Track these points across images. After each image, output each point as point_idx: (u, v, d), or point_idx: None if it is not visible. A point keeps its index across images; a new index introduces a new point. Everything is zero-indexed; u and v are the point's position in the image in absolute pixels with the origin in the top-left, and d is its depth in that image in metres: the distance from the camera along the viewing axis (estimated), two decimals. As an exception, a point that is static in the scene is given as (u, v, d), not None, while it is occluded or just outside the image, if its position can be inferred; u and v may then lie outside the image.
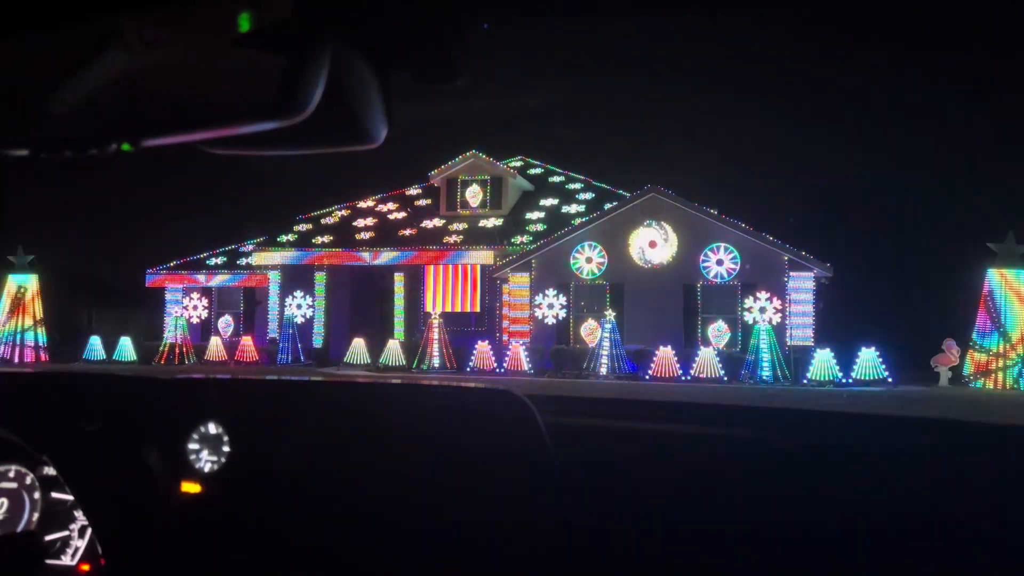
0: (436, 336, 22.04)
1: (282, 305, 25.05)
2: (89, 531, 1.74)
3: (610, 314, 20.67)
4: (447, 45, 0.71)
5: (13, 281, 25.79)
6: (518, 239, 23.97)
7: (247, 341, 24.44)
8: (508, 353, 21.15)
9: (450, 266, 24.14)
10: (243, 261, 26.49)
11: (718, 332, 21.35)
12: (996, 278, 19.88)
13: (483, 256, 23.67)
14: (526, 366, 20.73)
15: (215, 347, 24.63)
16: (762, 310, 20.71)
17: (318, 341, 24.71)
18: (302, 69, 0.67)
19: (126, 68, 0.69)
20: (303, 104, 0.67)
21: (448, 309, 23.70)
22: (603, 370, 20.04)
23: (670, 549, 1.31)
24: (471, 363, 21.39)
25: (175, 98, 0.71)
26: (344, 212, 26.88)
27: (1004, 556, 1.18)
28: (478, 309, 24.08)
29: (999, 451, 1.34)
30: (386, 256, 24.48)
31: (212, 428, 1.65)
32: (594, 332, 21.45)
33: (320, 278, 25.12)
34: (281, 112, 0.68)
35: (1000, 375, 19.44)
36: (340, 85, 0.70)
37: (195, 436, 1.65)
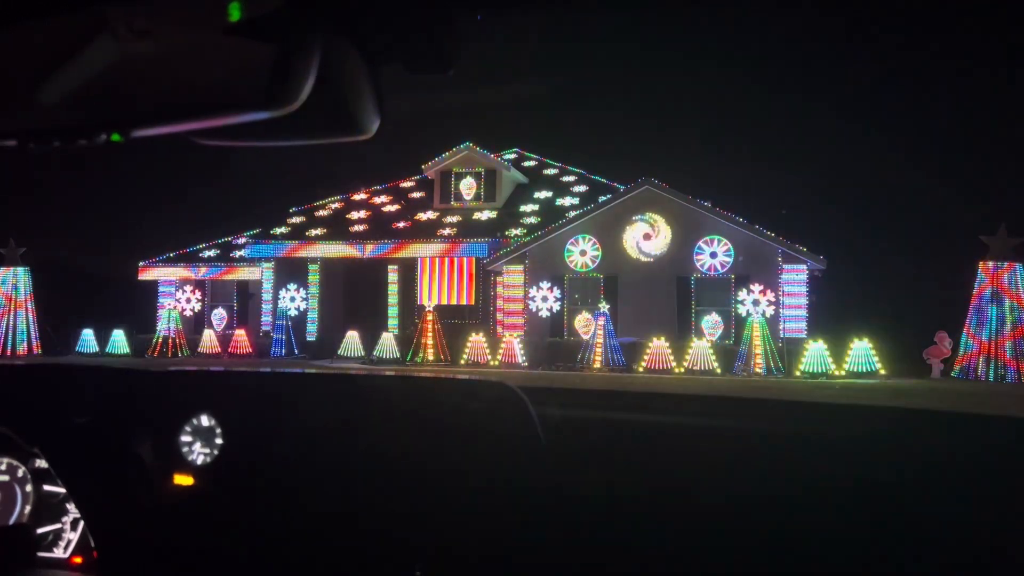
0: (430, 329, 22.03)
1: (275, 298, 24.99)
2: (81, 524, 1.74)
3: (604, 306, 20.69)
4: (438, 35, 0.71)
5: (5, 274, 25.65)
6: (512, 232, 23.95)
7: (240, 334, 24.39)
8: (502, 346, 21.16)
9: (444, 259, 24.11)
10: (236, 254, 26.42)
11: (712, 324, 21.42)
12: (987, 271, 19.96)
13: (477, 249, 23.65)
14: (520, 359, 20.75)
15: (208, 340, 24.58)
16: (755, 302, 20.75)
17: (312, 333, 24.67)
18: (293, 59, 0.67)
19: (115, 58, 0.68)
20: (294, 94, 0.67)
21: (442, 302, 23.69)
22: (597, 362, 20.07)
23: (662, 539, 1.31)
24: (465, 356, 21.40)
25: (165, 88, 0.70)
26: (337, 205, 26.82)
27: (998, 548, 1.18)
28: (472, 302, 24.07)
29: (991, 442, 1.35)
30: (380, 249, 24.45)
31: (205, 420, 1.65)
32: (588, 325, 21.48)
33: (314, 271, 25.07)
34: (272, 102, 0.67)
35: (991, 367, 19.52)
36: (331, 75, 0.69)
37: (188, 428, 1.65)
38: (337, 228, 25.44)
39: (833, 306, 22.71)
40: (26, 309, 25.72)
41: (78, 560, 1.75)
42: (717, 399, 1.60)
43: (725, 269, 21.45)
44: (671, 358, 19.73)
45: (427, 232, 24.58)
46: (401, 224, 25.21)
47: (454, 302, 24.01)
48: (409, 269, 24.58)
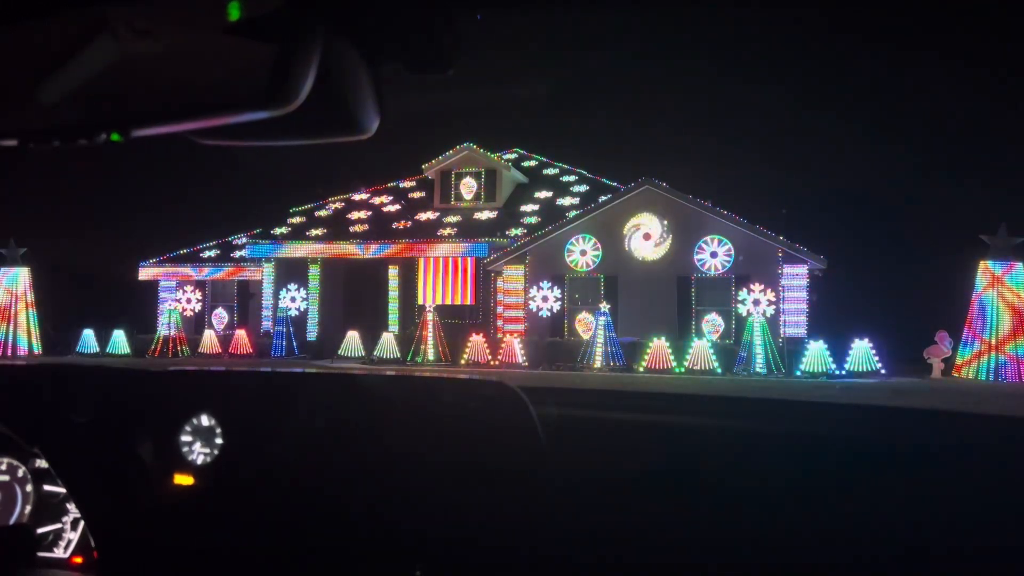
0: (430, 329, 22.03)
1: (276, 298, 25.00)
2: (82, 523, 1.74)
3: (604, 306, 20.69)
4: (438, 35, 0.71)
5: (5, 274, 25.65)
6: (513, 232, 23.95)
7: (241, 334, 24.39)
8: (502, 345, 21.16)
9: (444, 259, 24.11)
10: (237, 254, 26.42)
11: (712, 324, 21.43)
12: (987, 270, 19.94)
13: (477, 249, 23.65)
14: (520, 358, 20.74)
15: (209, 340, 24.58)
16: (756, 302, 20.75)
17: (312, 334, 24.68)
18: (293, 58, 0.67)
19: (115, 58, 0.68)
20: (294, 94, 0.67)
21: (442, 302, 23.69)
22: (597, 362, 20.07)
23: (662, 538, 1.32)
24: (465, 356, 21.40)
25: (165, 88, 0.70)
26: (338, 205, 26.82)
27: (998, 549, 1.18)
28: (472, 302, 24.07)
29: (991, 442, 1.35)
30: (380, 249, 24.45)
31: (205, 420, 1.65)
32: (588, 325, 21.49)
33: (314, 271, 25.08)
34: (272, 102, 0.67)
35: (991, 367, 19.51)
36: (331, 74, 0.69)
37: (188, 428, 1.65)
38: (337, 228, 25.44)
39: (834, 306, 22.71)
40: (27, 308, 25.72)
41: (78, 560, 1.75)
42: (717, 399, 1.60)
43: (725, 269, 21.45)
44: (671, 358, 19.72)
45: (427, 232, 24.58)
46: (401, 224, 25.21)
47: (454, 302, 24.02)
48: (409, 269, 24.58)
